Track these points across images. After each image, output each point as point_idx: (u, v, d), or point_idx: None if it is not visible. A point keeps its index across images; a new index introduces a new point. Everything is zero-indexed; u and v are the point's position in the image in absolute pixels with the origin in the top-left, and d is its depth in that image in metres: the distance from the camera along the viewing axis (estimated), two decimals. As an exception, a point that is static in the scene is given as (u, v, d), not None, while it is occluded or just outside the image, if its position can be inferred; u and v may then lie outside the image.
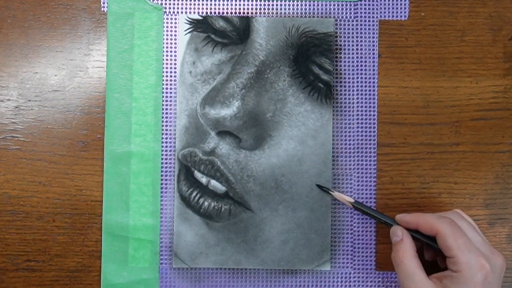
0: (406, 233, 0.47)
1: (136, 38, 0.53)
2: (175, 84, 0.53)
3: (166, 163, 0.53)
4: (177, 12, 0.54)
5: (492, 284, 0.43)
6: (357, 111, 0.53)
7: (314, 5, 0.54)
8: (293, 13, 0.53)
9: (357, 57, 0.54)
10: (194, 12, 0.54)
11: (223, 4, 0.54)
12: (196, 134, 0.53)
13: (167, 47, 0.53)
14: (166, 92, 0.53)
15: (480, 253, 0.43)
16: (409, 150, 0.54)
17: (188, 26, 0.53)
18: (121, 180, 0.53)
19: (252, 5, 0.54)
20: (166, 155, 0.53)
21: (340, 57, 0.53)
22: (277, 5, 0.54)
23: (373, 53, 0.54)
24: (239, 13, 0.54)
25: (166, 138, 0.53)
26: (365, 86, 0.54)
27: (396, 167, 0.53)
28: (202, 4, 0.54)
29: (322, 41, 0.53)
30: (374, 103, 0.54)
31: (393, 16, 0.54)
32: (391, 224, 0.49)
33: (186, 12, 0.54)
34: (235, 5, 0.54)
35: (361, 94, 0.53)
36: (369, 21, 0.54)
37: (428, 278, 0.44)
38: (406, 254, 0.45)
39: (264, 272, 0.53)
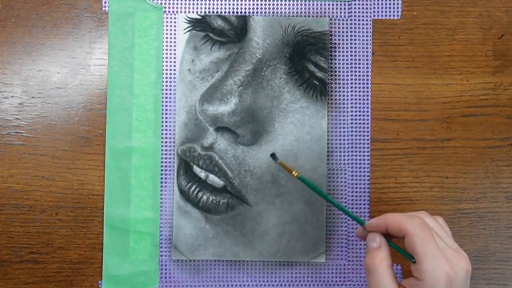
0: (384, 241, 0.44)
1: (137, 37, 0.54)
2: (174, 82, 0.54)
3: (166, 158, 0.54)
4: (177, 12, 0.54)
5: None
6: (351, 107, 0.55)
7: (309, 4, 0.55)
8: (289, 12, 0.54)
9: (351, 55, 0.55)
10: (193, 12, 0.55)
11: (221, 4, 0.55)
12: (195, 130, 0.53)
13: (166, 46, 0.54)
14: (166, 89, 0.54)
15: (445, 259, 0.41)
16: (402, 146, 0.55)
17: (187, 25, 0.54)
18: (122, 175, 0.54)
19: (249, 4, 0.55)
20: (166, 150, 0.54)
21: (335, 55, 0.55)
22: (273, 4, 0.55)
23: (367, 51, 0.55)
24: (237, 12, 0.55)
25: (166, 134, 0.54)
26: (359, 83, 0.55)
27: (389, 162, 0.55)
28: (201, 4, 0.55)
29: (317, 39, 0.54)
30: (367, 99, 0.55)
31: (386, 16, 0.55)
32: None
33: (185, 12, 0.55)
34: (233, 4, 0.55)
35: (355, 91, 0.55)
36: (362, 20, 0.55)
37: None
38: (383, 263, 0.42)
39: (261, 264, 0.54)
